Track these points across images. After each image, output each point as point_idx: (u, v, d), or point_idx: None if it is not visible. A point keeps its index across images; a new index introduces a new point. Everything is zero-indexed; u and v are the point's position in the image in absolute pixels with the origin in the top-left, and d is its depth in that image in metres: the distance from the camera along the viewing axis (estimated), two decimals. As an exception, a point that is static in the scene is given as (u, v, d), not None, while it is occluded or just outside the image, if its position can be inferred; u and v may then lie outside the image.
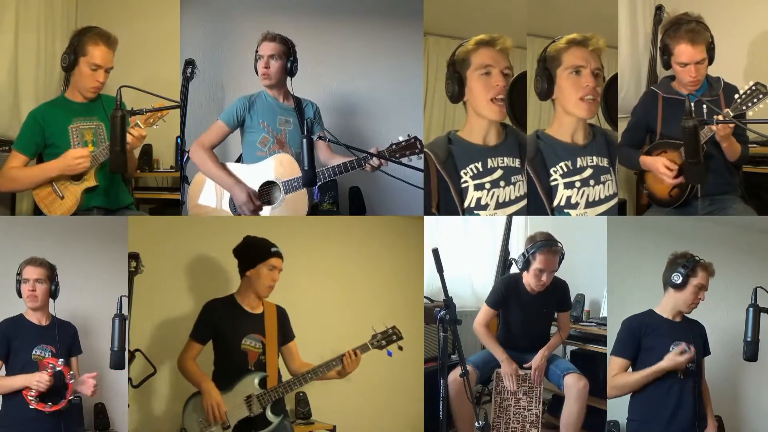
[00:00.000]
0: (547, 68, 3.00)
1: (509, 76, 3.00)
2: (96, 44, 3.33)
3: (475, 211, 2.96)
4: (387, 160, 3.27)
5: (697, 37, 3.28)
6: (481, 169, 2.97)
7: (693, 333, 3.04)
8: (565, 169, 3.03)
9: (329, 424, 3.84)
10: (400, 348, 3.28)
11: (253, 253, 3.21)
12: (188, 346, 3.18)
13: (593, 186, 3.06)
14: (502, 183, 2.98)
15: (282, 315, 3.29)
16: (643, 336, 3.03)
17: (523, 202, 3.04)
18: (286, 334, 3.29)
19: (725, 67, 3.46)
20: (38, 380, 2.82)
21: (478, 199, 2.96)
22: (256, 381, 3.11)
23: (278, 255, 3.22)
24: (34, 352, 2.93)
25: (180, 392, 3.26)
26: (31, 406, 2.83)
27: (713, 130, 3.10)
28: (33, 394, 2.83)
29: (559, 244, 3.53)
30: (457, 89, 2.96)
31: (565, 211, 3.05)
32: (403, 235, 4.09)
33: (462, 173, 2.95)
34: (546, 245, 3.50)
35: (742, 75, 4.09)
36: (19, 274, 3.00)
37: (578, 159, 3.05)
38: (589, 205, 3.06)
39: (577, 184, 3.05)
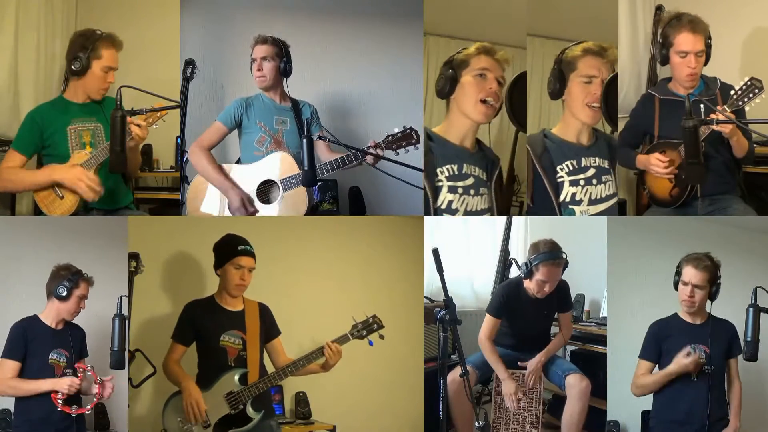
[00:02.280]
0: (562, 71, 3.13)
1: (502, 85, 3.06)
2: (108, 48, 3.38)
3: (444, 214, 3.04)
4: (383, 151, 3.26)
5: (697, 27, 3.31)
6: (455, 172, 3.01)
7: (716, 334, 3.04)
8: (571, 168, 3.13)
9: (329, 424, 3.84)
10: (382, 337, 3.25)
11: (222, 251, 3.21)
12: (171, 348, 3.18)
13: (596, 185, 3.16)
14: (471, 191, 3.04)
15: (265, 312, 3.27)
16: (664, 340, 3.07)
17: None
18: (269, 331, 3.27)
19: (721, 65, 3.46)
20: (70, 384, 2.84)
21: (450, 202, 3.01)
22: (236, 377, 3.10)
23: (247, 253, 3.18)
24: (51, 356, 2.92)
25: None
26: (59, 409, 2.83)
27: (711, 129, 3.10)
28: (61, 397, 2.84)
29: (564, 255, 3.50)
30: (448, 87, 3.01)
31: (570, 207, 3.13)
32: (403, 235, 4.09)
33: (438, 171, 3.00)
34: (549, 257, 3.47)
35: (738, 72, 4.09)
36: None
37: (583, 159, 3.15)
38: (592, 202, 3.15)
39: (582, 182, 3.15)
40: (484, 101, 2.98)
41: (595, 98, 3.07)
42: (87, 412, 2.92)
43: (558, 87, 3.14)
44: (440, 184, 3.00)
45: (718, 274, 3.03)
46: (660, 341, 3.08)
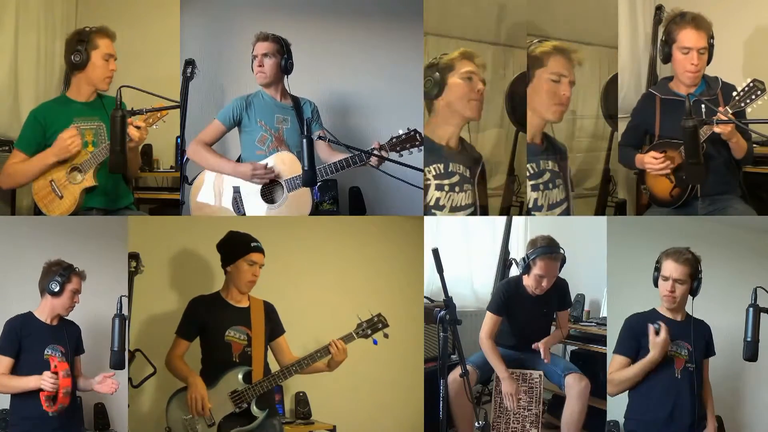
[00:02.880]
0: (528, 66, 3.20)
1: (484, 86, 3.17)
2: (103, 37, 3.41)
3: (432, 210, 3.14)
4: (388, 153, 3.27)
5: (701, 24, 3.31)
6: (442, 171, 3.11)
7: (696, 333, 3.02)
8: (531, 171, 3.18)
9: (329, 424, 3.85)
10: (386, 336, 3.26)
11: (233, 248, 3.21)
12: (175, 344, 3.18)
13: (551, 189, 3.23)
14: (456, 188, 3.13)
15: (270, 310, 3.28)
16: (643, 334, 3.03)
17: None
18: (274, 329, 3.27)
19: (722, 64, 3.46)
20: (44, 379, 2.82)
21: (438, 199, 3.08)
22: (240, 376, 3.10)
23: (258, 250, 3.21)
24: (46, 352, 2.93)
25: (180, 392, 3.26)
26: (46, 411, 2.83)
27: (712, 129, 3.10)
28: (47, 394, 2.83)
29: (561, 250, 3.52)
30: (436, 90, 3.12)
31: (533, 213, 3.21)
32: (403, 235, 4.09)
33: (426, 170, 3.11)
34: (546, 251, 3.49)
35: (740, 71, 4.09)
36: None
37: (540, 161, 3.21)
38: (550, 207, 3.24)
39: (541, 187, 3.22)
40: (475, 100, 3.09)
41: (565, 99, 3.12)
42: (66, 408, 2.87)
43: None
44: (428, 182, 3.08)
45: (699, 268, 3.01)
46: (639, 336, 3.03)
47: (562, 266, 3.58)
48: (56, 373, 2.83)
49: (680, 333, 3.01)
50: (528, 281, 3.58)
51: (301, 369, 3.17)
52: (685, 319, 3.06)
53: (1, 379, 2.88)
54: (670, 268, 3.01)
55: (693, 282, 3.02)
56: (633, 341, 3.05)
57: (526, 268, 3.54)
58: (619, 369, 3.05)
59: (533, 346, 3.61)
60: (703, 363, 3.07)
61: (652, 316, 3.08)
